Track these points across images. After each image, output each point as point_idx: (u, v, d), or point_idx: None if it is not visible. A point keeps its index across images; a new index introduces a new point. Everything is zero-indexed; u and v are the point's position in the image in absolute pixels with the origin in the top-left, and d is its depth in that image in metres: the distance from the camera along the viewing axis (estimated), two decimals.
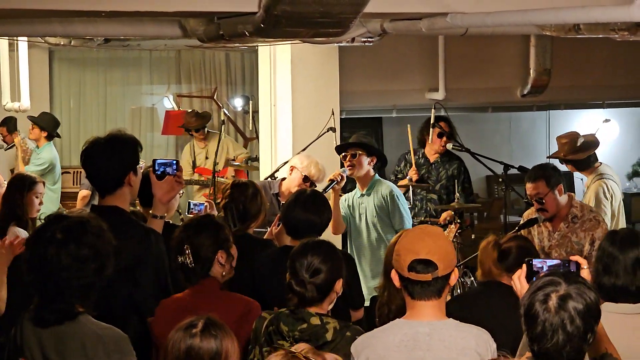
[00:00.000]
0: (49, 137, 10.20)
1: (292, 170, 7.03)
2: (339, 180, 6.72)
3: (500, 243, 4.68)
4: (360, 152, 6.96)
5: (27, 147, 10.35)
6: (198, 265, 4.27)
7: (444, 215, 8.00)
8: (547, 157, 8.24)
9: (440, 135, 8.17)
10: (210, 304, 4.05)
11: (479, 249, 4.79)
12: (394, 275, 3.63)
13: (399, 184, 8.24)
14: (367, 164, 7.00)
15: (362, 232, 7.04)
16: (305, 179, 6.85)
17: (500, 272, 4.65)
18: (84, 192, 9.62)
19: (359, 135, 7.33)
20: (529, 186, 6.09)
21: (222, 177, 10.32)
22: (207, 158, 11.01)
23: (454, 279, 3.63)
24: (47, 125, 10.18)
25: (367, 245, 7.02)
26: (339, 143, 8.44)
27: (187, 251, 4.27)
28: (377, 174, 7.13)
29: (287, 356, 2.85)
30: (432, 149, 8.29)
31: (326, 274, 3.99)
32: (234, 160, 10.56)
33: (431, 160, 8.29)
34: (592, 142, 7.67)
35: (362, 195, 7.04)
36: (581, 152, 7.50)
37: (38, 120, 10.20)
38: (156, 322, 4.22)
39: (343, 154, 7.06)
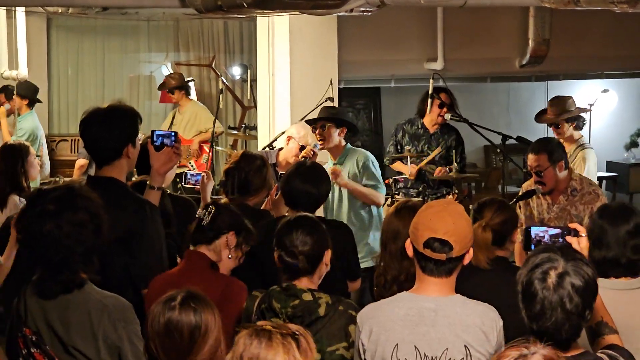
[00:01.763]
0: (31, 105, 10.09)
1: (289, 140, 7.03)
2: (311, 155, 6.72)
3: (490, 225, 4.57)
4: (329, 125, 6.95)
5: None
6: (209, 229, 4.31)
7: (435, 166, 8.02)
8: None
9: (441, 106, 8.17)
10: (195, 281, 4.05)
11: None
12: (408, 245, 3.65)
13: (392, 165, 8.27)
14: (337, 135, 6.99)
15: (333, 201, 6.98)
16: (302, 149, 6.85)
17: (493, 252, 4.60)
18: (81, 161, 9.60)
19: (327, 108, 7.33)
20: (530, 157, 6.09)
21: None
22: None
23: (467, 259, 3.64)
24: (26, 92, 10.03)
25: (336, 215, 6.97)
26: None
27: (210, 210, 4.32)
28: (349, 144, 7.11)
29: (255, 332, 2.85)
30: (431, 120, 8.28)
31: (314, 244, 3.99)
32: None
33: (431, 131, 8.28)
34: (582, 109, 7.92)
35: (335, 164, 6.98)
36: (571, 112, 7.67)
37: (17, 89, 10.04)
38: (147, 299, 4.23)
39: (313, 126, 7.04)
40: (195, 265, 4.28)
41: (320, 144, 6.93)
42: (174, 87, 10.87)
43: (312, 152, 6.74)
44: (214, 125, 9.45)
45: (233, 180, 5.44)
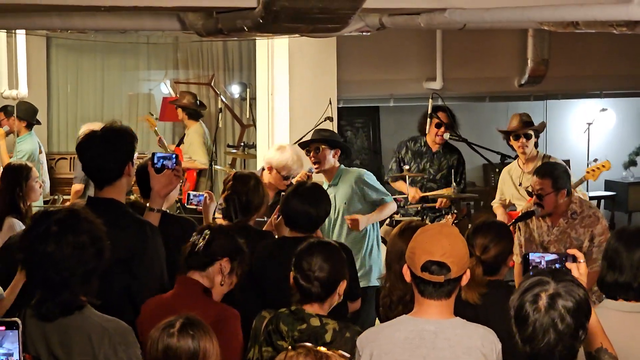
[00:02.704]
0: (29, 127, 10.05)
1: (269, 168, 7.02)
2: (305, 179, 6.69)
3: (480, 258, 4.54)
4: (323, 147, 6.90)
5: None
6: (203, 255, 4.21)
7: (440, 197, 8.03)
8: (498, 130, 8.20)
9: (438, 126, 8.19)
10: (188, 307, 4.02)
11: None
12: (405, 270, 3.65)
13: (394, 183, 8.27)
14: (331, 157, 6.91)
15: (330, 222, 6.89)
16: (271, 169, 6.82)
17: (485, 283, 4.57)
18: (77, 187, 9.48)
19: (319, 130, 7.29)
20: (534, 179, 6.09)
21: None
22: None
23: (465, 280, 3.65)
24: (25, 114, 9.95)
25: (332, 236, 6.94)
26: (336, 131, 8.46)
27: (205, 235, 4.25)
28: (342, 165, 7.04)
29: (310, 354, 2.85)
30: (432, 139, 8.31)
31: (331, 272, 4.01)
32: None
33: (433, 150, 8.30)
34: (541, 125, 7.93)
35: (330, 186, 6.91)
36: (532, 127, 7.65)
37: (16, 111, 9.94)
38: (140, 321, 4.19)
39: (307, 149, 6.98)
40: (189, 292, 4.20)
41: (316, 167, 6.92)
42: (180, 105, 10.94)
43: (306, 176, 6.72)
44: (214, 146, 9.45)
45: (234, 205, 5.42)
